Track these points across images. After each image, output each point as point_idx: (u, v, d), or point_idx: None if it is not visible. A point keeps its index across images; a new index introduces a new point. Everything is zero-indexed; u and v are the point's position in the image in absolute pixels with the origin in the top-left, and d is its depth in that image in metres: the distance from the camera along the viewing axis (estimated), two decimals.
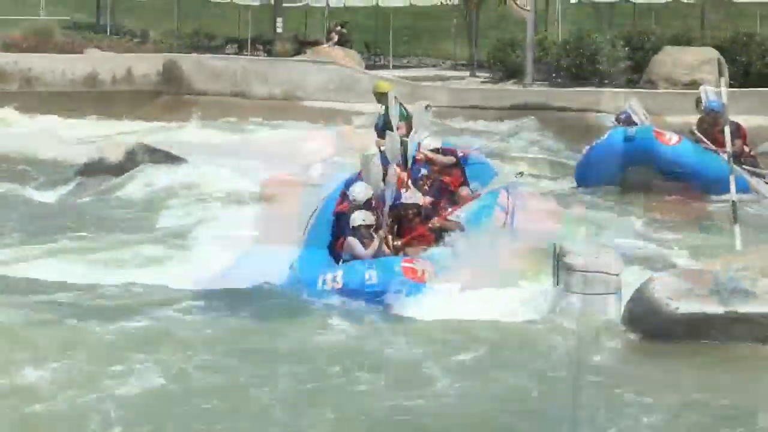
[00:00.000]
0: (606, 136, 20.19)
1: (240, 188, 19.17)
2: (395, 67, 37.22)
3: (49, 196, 19.32)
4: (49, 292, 11.98)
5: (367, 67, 34.24)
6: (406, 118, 16.02)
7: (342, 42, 35.72)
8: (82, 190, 19.75)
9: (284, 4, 36.37)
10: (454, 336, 11.08)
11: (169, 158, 21.91)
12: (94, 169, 20.79)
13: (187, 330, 10.77)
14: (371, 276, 12.44)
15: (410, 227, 13.30)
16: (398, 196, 13.47)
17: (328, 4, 37.53)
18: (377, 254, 12.83)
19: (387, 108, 15.99)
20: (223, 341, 10.65)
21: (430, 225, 13.35)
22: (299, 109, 30.80)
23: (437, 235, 13.33)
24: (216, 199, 18.60)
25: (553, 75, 30.51)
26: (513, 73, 31.42)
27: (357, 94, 31.24)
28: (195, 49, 36.12)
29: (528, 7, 30.24)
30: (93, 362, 9.90)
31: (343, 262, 12.87)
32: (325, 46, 34.87)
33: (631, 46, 29.52)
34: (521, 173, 15.91)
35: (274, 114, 30.02)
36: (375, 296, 12.38)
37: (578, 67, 29.67)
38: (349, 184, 13.94)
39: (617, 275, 11.54)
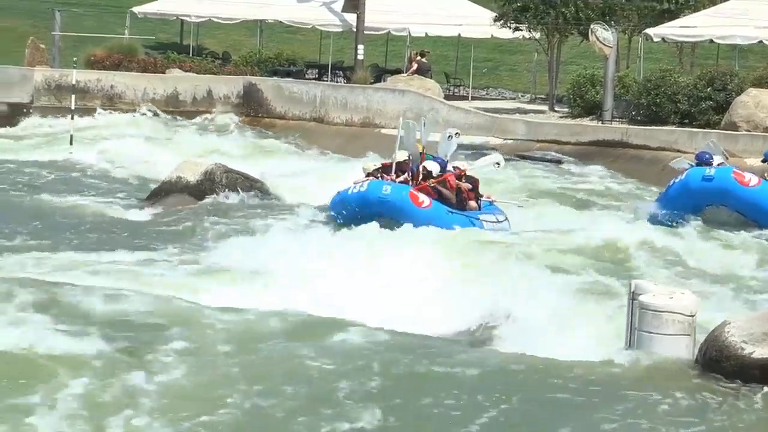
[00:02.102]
0: (684, 175, 20.25)
1: (313, 213, 19.11)
2: (474, 98, 37.27)
3: (126, 214, 19.54)
4: (122, 305, 12.00)
5: (447, 97, 34.30)
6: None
7: (422, 71, 35.84)
8: (160, 209, 19.95)
9: (366, 32, 36.50)
10: (531, 371, 11.13)
11: (247, 180, 22.11)
12: (173, 188, 20.98)
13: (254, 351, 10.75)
14: (387, 189, 17.56)
15: (424, 183, 18.08)
16: (440, 160, 18.67)
17: (409, 33, 37.65)
18: None
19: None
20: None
21: (431, 183, 18.07)
22: (376, 136, 30.85)
23: (438, 193, 17.99)
24: (290, 222, 18.57)
25: (632, 113, 30.32)
26: (592, 108, 31.30)
27: (434, 124, 31.27)
28: (275, 73, 36.38)
29: (610, 44, 30.12)
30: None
31: None
32: (404, 74, 34.99)
33: (713, 87, 29.26)
34: (497, 164, 20.18)
35: (351, 140, 30.10)
36: (384, 204, 17.35)
37: (658, 105, 29.49)
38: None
39: (692, 316, 11.45)
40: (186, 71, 35.51)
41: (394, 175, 18.25)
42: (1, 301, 11.69)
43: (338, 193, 18.54)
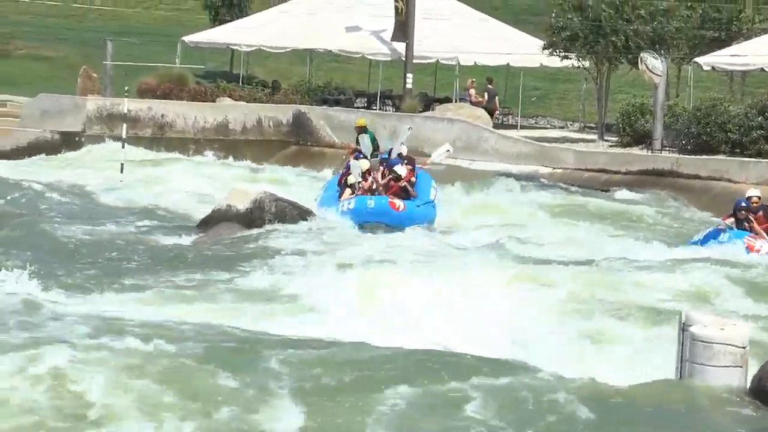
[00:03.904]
0: (703, 235, 20.35)
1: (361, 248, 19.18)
2: (523, 126, 37.26)
3: (176, 241, 19.62)
4: (172, 334, 12.04)
5: (495, 126, 34.31)
6: (374, 141, 24.58)
7: (491, 97, 35.95)
8: (210, 237, 20.05)
9: (414, 61, 36.62)
10: (579, 395, 11.05)
11: (295, 209, 22.18)
12: (223, 216, 21.07)
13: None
14: (371, 203, 22.06)
15: (394, 184, 22.63)
16: (392, 162, 23.24)
17: (458, 62, 37.73)
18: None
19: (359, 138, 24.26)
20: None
21: (401, 183, 22.60)
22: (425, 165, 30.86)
23: (405, 191, 22.63)
24: (337, 250, 18.56)
25: (682, 142, 30.20)
26: (641, 138, 31.20)
27: (483, 152, 31.36)
28: (324, 101, 36.55)
29: (659, 73, 30.04)
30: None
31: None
32: (468, 100, 35.07)
33: (764, 116, 29.10)
34: (449, 150, 25.70)
35: None
36: (371, 215, 21.77)
37: (708, 135, 29.36)
38: (343, 175, 23.41)
39: (744, 348, 11.35)
40: (236, 100, 35.77)
41: (365, 183, 22.78)
42: (52, 330, 11.69)
43: (325, 206, 22.49)
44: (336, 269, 16.56)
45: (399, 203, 22.32)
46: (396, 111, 35.75)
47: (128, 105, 30.58)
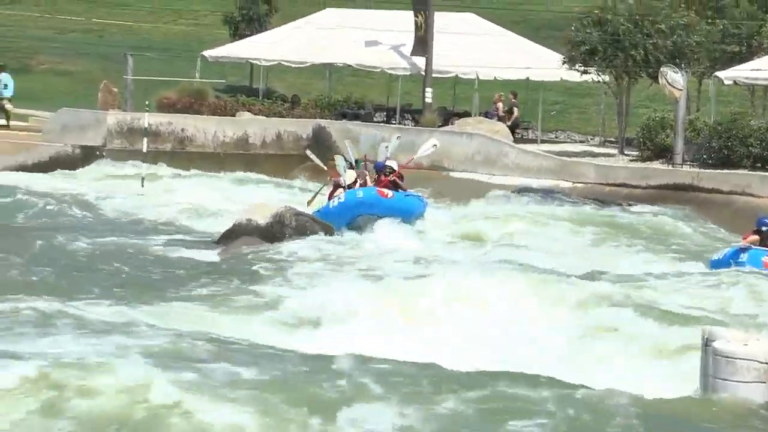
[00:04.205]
0: (722, 255, 20.10)
1: (380, 257, 19.15)
2: (543, 141, 37.20)
3: (198, 255, 19.68)
4: (197, 347, 12.04)
5: (515, 141, 34.27)
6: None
7: (511, 111, 35.94)
8: (231, 251, 20.11)
9: (434, 75, 36.63)
10: (602, 409, 11.05)
11: (316, 223, 22.23)
12: (243, 230, 21.14)
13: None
14: (360, 194, 23.18)
15: (384, 178, 23.85)
16: (379, 164, 24.49)
17: (477, 77, 37.70)
18: None
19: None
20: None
21: (390, 177, 23.83)
22: (444, 179, 30.94)
23: (395, 184, 23.81)
24: (358, 266, 18.57)
25: (703, 156, 30.10)
26: (662, 152, 31.10)
27: (502, 167, 31.34)
28: (344, 116, 36.56)
29: (680, 87, 29.97)
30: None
31: None
32: (496, 115, 35.02)
33: None
34: (435, 145, 26.81)
35: (419, 183, 30.10)
36: (360, 206, 22.88)
37: (729, 149, 29.25)
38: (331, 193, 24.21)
39: (767, 363, 11.29)
40: (256, 114, 35.84)
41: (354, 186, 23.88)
42: (75, 343, 11.68)
43: (319, 210, 23.34)
44: (359, 283, 16.62)
45: (388, 192, 23.43)
46: (415, 125, 35.72)
47: (149, 119, 30.67)
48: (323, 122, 34.55)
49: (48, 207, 25.13)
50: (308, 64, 39.86)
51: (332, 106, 37.48)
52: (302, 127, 34.23)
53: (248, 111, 36.09)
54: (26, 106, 37.87)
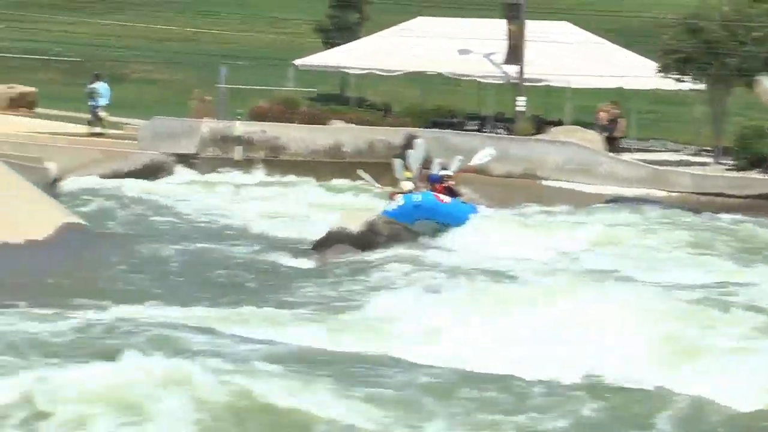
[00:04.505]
0: None
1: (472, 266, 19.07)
2: (636, 149, 36.84)
3: (292, 263, 19.82)
4: (295, 354, 12.06)
5: (611, 150, 33.94)
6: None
7: (614, 121, 35.65)
8: (324, 259, 20.20)
9: (526, 84, 36.49)
10: (697, 420, 10.99)
11: (409, 231, 22.26)
12: (336, 238, 21.24)
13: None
14: (417, 197, 23.43)
15: (439, 186, 24.25)
16: (433, 177, 24.86)
17: (570, 85, 37.50)
18: None
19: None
20: None
21: (447, 184, 24.33)
22: (537, 189, 30.81)
23: (450, 190, 24.25)
24: (448, 275, 18.50)
25: None
26: (758, 161, 30.69)
27: (596, 176, 31.11)
28: (436, 124, 36.49)
29: None
30: None
31: None
32: (600, 123, 34.79)
33: None
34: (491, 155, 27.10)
35: (512, 191, 30.09)
36: (418, 209, 23.10)
37: None
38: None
39: None
40: (348, 123, 35.92)
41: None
42: (172, 352, 11.83)
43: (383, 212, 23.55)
44: (454, 291, 16.53)
45: (444, 197, 23.88)
46: (507, 134, 35.57)
47: (241, 128, 30.91)
48: (415, 130, 34.40)
49: (142, 213, 25.65)
50: (400, 73, 39.85)
51: (424, 115, 37.44)
52: (394, 136, 34.16)
53: (340, 119, 36.20)
54: (121, 114, 38.39)
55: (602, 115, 35.95)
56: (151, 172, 31.98)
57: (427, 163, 26.01)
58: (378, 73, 40.00)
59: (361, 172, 27.31)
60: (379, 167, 32.85)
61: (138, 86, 48.16)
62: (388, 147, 33.99)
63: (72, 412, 9.82)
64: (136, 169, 31.89)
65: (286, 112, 35.95)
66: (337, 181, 31.94)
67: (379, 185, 26.50)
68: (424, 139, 27.77)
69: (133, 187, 29.37)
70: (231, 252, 20.28)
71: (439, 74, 39.54)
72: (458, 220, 23.55)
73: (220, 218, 25.73)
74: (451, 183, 24.70)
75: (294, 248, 21.31)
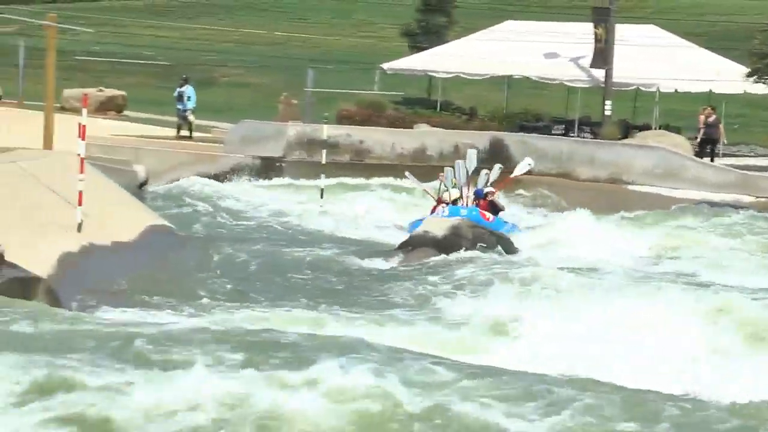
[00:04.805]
0: None
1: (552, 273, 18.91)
2: (725, 155, 36.46)
3: (375, 265, 19.86)
4: (386, 358, 11.96)
5: (696, 154, 33.66)
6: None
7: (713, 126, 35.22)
8: (408, 262, 20.23)
9: (613, 88, 36.27)
10: None
11: (493, 236, 22.17)
12: (420, 241, 21.24)
13: None
14: (464, 211, 23.84)
15: (483, 201, 24.84)
16: (478, 192, 25.33)
17: (658, 90, 37.22)
18: None
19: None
20: None
21: (490, 199, 25.01)
22: (623, 193, 30.61)
23: (492, 210, 24.68)
24: (537, 284, 18.06)
25: None
26: None
27: (683, 181, 30.82)
28: (522, 128, 36.43)
29: None
30: None
31: None
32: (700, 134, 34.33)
33: None
34: (530, 164, 27.59)
35: (598, 196, 29.93)
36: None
37: None
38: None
39: None
40: (433, 126, 35.96)
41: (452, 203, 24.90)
42: (259, 355, 11.72)
43: (416, 223, 23.65)
44: (538, 298, 16.48)
45: (488, 214, 24.29)
46: (594, 138, 35.41)
47: (327, 131, 31.03)
48: (500, 134, 34.40)
49: (227, 216, 25.66)
50: (486, 76, 39.90)
51: (510, 119, 37.42)
52: (479, 140, 34.01)
53: (426, 123, 36.23)
54: (209, 117, 38.83)
55: (704, 118, 35.41)
56: (238, 174, 32.17)
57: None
58: (464, 76, 40.14)
59: (408, 174, 27.87)
60: None
61: (226, 90, 48.66)
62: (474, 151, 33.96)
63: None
64: (222, 172, 32.11)
65: (372, 115, 36.15)
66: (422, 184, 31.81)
67: (426, 188, 27.18)
68: (476, 150, 28.25)
69: (218, 189, 29.54)
70: (317, 254, 20.25)
71: (526, 78, 39.50)
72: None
73: (306, 221, 25.84)
74: (493, 197, 25.18)
75: (377, 251, 21.35)
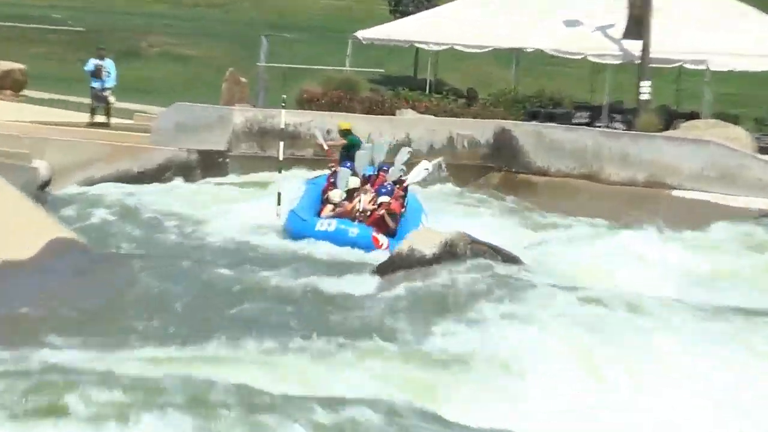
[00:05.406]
0: None
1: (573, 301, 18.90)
2: None
3: (350, 290, 19.73)
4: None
5: (760, 150, 33.54)
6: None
7: None
8: (388, 287, 19.99)
9: (652, 65, 36.15)
10: None
11: (497, 253, 21.90)
12: (403, 261, 20.92)
13: None
14: (353, 231, 24.75)
15: (373, 213, 25.42)
16: (381, 190, 26.15)
17: (708, 67, 37.10)
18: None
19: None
20: None
21: (380, 211, 25.44)
22: (665, 200, 30.59)
23: (383, 223, 25.28)
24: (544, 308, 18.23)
25: None
26: None
27: (743, 185, 30.64)
28: (534, 116, 36.40)
29: None
30: None
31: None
32: None
33: None
34: (427, 169, 28.24)
35: (632, 203, 29.95)
36: (351, 244, 24.34)
37: None
38: (327, 184, 26.94)
39: None
40: (421, 112, 35.80)
41: (348, 204, 25.74)
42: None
43: (296, 219, 25.45)
44: (544, 330, 16.59)
45: (383, 240, 24.81)
46: (628, 129, 35.25)
47: (286, 118, 30.68)
48: (507, 124, 34.32)
49: (156, 228, 25.58)
50: (489, 49, 39.79)
51: (520, 104, 37.39)
52: (480, 130, 34.01)
53: (412, 108, 36.12)
54: (132, 99, 38.58)
55: None
56: (169, 174, 32.12)
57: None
58: (461, 49, 39.95)
59: (317, 132, 29.82)
60: (461, 171, 32.90)
61: (155, 64, 48.43)
62: (474, 144, 33.93)
63: None
64: (148, 171, 32.02)
65: (343, 98, 36.01)
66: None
67: (330, 143, 29.48)
68: (409, 151, 29.15)
69: (143, 192, 29.41)
70: (274, 277, 20.03)
71: (540, 51, 39.45)
72: None
73: (258, 234, 25.63)
74: (385, 208, 25.61)
75: (351, 273, 21.12)
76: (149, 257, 21.78)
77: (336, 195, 26.03)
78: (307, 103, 35.82)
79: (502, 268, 20.99)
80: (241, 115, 33.64)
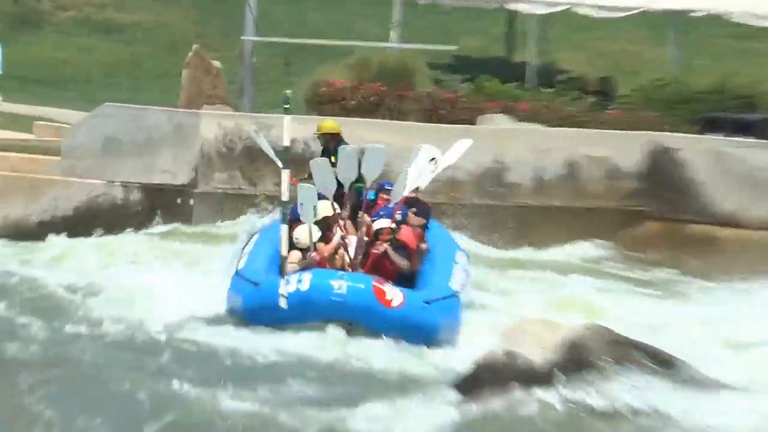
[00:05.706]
0: None
1: None
2: None
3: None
4: None
5: None
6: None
7: None
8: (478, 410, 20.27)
9: None
10: None
11: (648, 356, 21.70)
12: (503, 373, 20.92)
13: None
14: (341, 286, 24.00)
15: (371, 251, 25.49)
16: (381, 213, 26.17)
17: None
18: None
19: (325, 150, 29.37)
20: None
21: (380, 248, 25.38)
22: None
23: (399, 274, 25.09)
24: None
25: None
26: None
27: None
28: (711, 123, 36.17)
29: None
30: None
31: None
32: None
33: None
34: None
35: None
36: (338, 309, 23.90)
37: None
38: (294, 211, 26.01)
39: None
40: (520, 118, 35.99)
41: (323, 248, 25.43)
42: None
43: (243, 286, 25.05)
44: None
45: (392, 293, 24.10)
46: None
47: (291, 128, 30.30)
48: (667, 139, 34.32)
49: (66, 310, 25.67)
50: (635, 12, 39.64)
51: (687, 104, 37.02)
52: (623, 150, 34.10)
53: (504, 112, 35.86)
54: (30, 98, 38.41)
55: None
56: (93, 223, 32.46)
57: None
58: (586, 13, 39.95)
59: (255, 131, 29.52)
60: (590, 218, 32.48)
61: (67, 39, 48.64)
62: (613, 174, 34.23)
63: None
64: (55, 219, 32.67)
65: (386, 94, 35.64)
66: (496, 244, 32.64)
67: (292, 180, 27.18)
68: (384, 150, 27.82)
69: (46, 254, 30.04)
70: (253, 394, 20.13)
71: (717, 17, 39.75)
72: (417, 334, 23.85)
73: (231, 322, 25.52)
74: (414, 229, 26.18)
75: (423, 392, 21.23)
76: (40, 360, 22.13)
77: (302, 234, 25.29)
78: (326, 103, 35.54)
79: (658, 379, 21.30)
80: (213, 125, 33.64)
